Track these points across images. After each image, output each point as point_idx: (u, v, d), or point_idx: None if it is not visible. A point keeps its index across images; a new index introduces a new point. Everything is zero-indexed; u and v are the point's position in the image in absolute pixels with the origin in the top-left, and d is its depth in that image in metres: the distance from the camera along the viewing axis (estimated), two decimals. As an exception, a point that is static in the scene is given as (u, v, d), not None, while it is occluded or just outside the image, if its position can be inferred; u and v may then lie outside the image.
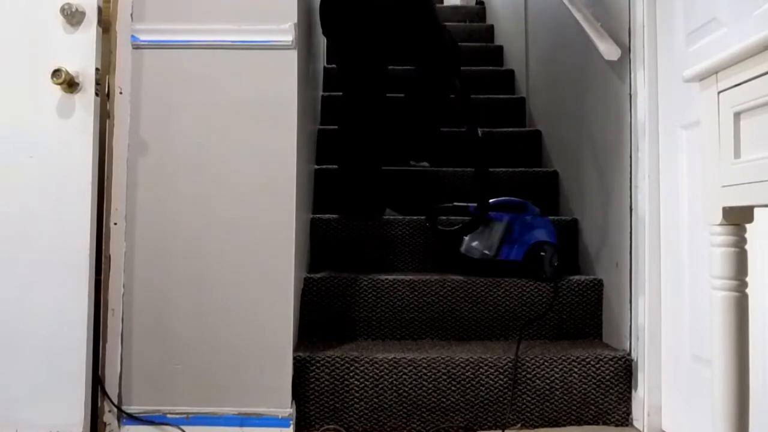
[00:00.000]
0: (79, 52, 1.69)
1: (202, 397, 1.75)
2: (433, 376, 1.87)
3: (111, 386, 1.74)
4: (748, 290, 1.10)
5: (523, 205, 2.30)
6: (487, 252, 2.23)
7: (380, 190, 2.54)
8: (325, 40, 3.76)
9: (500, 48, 4.13)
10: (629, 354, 1.93)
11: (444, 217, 2.41)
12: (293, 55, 1.81)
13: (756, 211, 1.10)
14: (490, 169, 2.59)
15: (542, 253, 2.19)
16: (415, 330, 2.13)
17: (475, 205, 2.27)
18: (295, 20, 1.80)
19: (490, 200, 2.28)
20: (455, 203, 2.36)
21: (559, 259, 2.21)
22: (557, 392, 1.89)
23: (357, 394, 1.86)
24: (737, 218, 1.08)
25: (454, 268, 2.33)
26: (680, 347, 1.73)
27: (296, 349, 1.91)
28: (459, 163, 2.82)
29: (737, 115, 1.04)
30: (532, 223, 2.25)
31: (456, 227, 2.32)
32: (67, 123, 1.69)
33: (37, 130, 1.68)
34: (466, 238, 2.29)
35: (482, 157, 2.25)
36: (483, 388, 1.88)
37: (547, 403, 1.89)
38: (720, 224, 1.09)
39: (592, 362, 1.90)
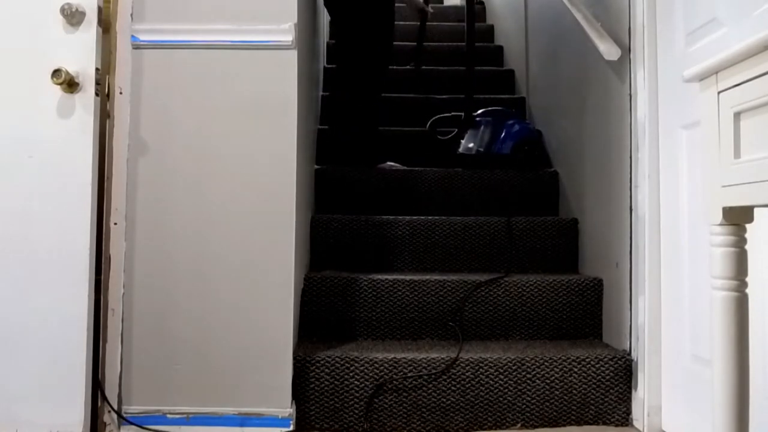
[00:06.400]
0: (79, 52, 1.69)
1: (202, 397, 1.75)
2: (433, 375, 1.87)
3: (111, 386, 1.74)
4: (748, 290, 1.10)
5: (503, 111, 2.93)
6: (480, 149, 2.85)
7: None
8: (326, 39, 3.79)
9: (500, 48, 4.13)
10: (629, 354, 1.93)
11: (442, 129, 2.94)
12: (293, 55, 1.81)
13: (756, 211, 1.10)
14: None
15: (526, 147, 2.79)
16: (415, 330, 2.13)
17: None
18: (295, 20, 1.80)
19: (477, 111, 2.94)
20: (453, 113, 2.96)
21: (534, 148, 2.83)
22: (557, 392, 1.89)
23: (357, 394, 1.86)
24: (737, 218, 1.08)
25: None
26: (680, 347, 1.73)
27: (296, 349, 1.91)
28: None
29: (737, 115, 1.04)
30: (514, 125, 2.85)
31: (452, 134, 2.96)
32: (67, 123, 1.69)
33: (37, 130, 1.68)
34: (462, 141, 2.87)
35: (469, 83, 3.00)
36: (483, 388, 1.88)
37: (547, 403, 1.89)
38: (720, 224, 1.09)
39: (591, 362, 1.90)
